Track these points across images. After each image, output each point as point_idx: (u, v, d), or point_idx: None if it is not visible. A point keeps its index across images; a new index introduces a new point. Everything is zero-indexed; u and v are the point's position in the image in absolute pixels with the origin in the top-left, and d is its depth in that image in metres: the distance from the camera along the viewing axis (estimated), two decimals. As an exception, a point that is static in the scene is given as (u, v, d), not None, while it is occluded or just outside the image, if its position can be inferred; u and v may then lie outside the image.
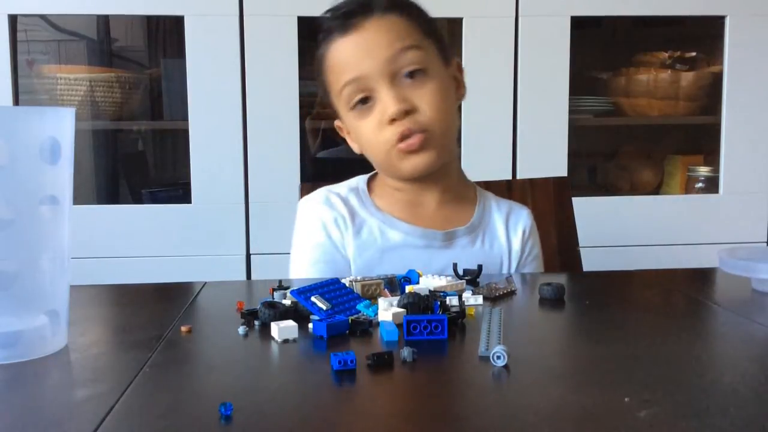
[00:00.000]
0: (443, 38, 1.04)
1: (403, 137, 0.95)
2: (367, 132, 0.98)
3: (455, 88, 1.04)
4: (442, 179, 1.04)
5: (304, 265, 1.04)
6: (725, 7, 2.00)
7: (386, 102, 0.95)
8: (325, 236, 1.03)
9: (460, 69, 1.06)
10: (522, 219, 1.08)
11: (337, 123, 1.07)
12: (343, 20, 0.97)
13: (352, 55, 0.97)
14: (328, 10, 1.00)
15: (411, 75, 0.96)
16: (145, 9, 1.93)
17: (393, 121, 0.95)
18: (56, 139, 0.62)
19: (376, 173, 1.09)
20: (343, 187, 1.08)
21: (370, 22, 0.96)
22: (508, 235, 1.07)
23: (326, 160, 1.08)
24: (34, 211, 0.63)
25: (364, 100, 0.97)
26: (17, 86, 1.89)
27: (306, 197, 1.09)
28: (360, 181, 1.08)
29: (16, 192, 0.61)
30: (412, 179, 1.02)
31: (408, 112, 0.95)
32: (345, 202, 1.04)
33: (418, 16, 1.00)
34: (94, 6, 1.90)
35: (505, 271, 1.06)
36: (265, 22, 1.88)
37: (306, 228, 1.06)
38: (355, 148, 1.05)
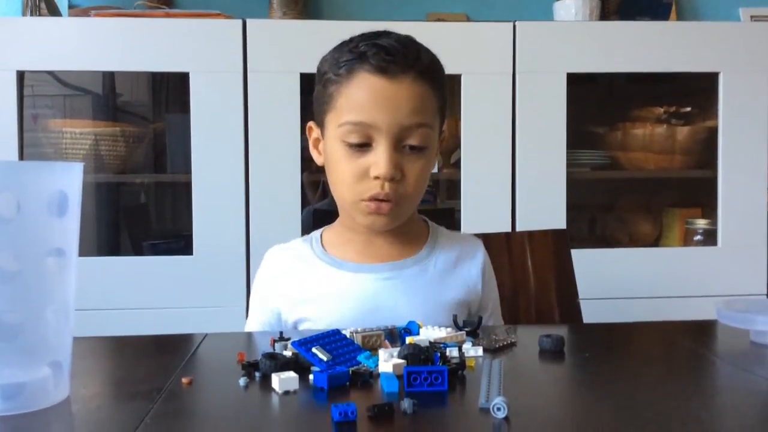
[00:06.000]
0: (447, 105, 1.07)
1: (377, 198, 0.99)
2: (348, 172, 1.00)
3: (435, 154, 1.07)
4: (398, 226, 1.06)
5: (251, 316, 1.11)
6: (718, 63, 2.04)
7: (383, 161, 0.97)
8: (268, 289, 1.08)
9: (444, 137, 1.10)
10: (478, 253, 1.11)
11: (310, 124, 1.08)
12: (383, 55, 0.96)
13: (375, 101, 0.97)
14: (366, 34, 1.00)
15: (412, 148, 0.99)
16: (151, 66, 1.97)
17: (377, 178, 0.98)
18: (65, 192, 0.64)
19: (330, 226, 1.13)
20: (297, 239, 1.13)
21: (407, 80, 0.97)
22: (463, 263, 1.09)
23: (325, 211, 1.09)
24: (41, 264, 0.64)
25: (361, 145, 0.99)
26: (22, 140, 1.92)
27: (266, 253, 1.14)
28: (315, 232, 1.13)
29: (24, 244, 0.62)
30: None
31: (394, 178, 0.98)
32: (294, 251, 1.10)
33: (440, 87, 1.03)
34: (102, 63, 1.94)
35: (469, 293, 1.07)
36: (268, 79, 1.92)
37: (257, 282, 1.12)
38: (318, 159, 1.08)
